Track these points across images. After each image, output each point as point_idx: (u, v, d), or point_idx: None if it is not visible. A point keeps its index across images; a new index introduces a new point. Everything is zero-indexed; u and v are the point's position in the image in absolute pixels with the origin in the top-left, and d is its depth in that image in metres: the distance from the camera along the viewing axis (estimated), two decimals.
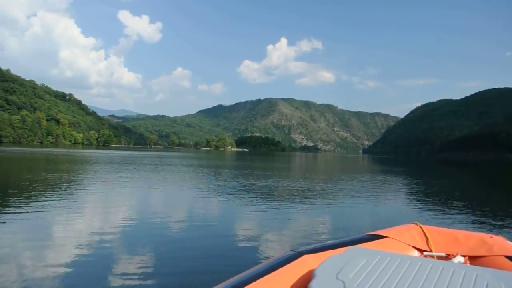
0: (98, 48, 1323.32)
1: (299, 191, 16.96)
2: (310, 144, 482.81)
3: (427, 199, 15.80)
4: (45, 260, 5.70)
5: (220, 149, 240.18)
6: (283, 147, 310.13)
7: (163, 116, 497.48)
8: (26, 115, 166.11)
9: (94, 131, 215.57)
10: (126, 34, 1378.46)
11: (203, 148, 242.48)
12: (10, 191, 13.63)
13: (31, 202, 10.91)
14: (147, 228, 8.32)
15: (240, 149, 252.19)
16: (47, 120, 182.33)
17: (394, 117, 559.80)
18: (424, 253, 2.49)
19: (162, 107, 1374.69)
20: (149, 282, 4.93)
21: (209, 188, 17.39)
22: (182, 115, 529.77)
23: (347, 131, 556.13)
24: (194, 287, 4.85)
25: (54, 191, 13.53)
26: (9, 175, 20.95)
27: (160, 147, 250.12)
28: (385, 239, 2.48)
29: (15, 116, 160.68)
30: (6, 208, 9.81)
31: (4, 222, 8.20)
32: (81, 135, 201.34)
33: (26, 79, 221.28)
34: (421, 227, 2.67)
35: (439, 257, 2.44)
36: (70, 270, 5.25)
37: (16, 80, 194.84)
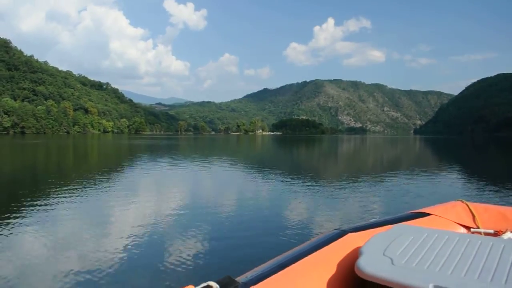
0: (146, 38, 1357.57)
1: (338, 172, 17.98)
2: (358, 125, 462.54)
3: (472, 177, 15.83)
4: (102, 246, 5.92)
5: (250, 133, 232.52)
6: (323, 129, 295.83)
7: (208, 102, 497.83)
8: (51, 105, 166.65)
9: (125, 119, 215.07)
10: (172, 23, 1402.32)
11: (233, 133, 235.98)
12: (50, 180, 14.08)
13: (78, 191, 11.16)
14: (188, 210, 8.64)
15: (272, 133, 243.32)
16: (75, 109, 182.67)
17: (448, 94, 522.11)
18: (472, 229, 2.46)
19: (210, 93, 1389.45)
20: (198, 261, 5.18)
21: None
22: (228, 101, 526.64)
23: (397, 111, 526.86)
24: (241, 265, 4.96)
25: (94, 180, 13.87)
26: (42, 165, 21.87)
27: (190, 133, 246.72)
28: (430, 216, 2.45)
29: (40, 106, 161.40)
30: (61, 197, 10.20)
31: (62, 210, 8.59)
32: (111, 123, 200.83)
33: (73, 71, 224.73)
34: (466, 204, 2.64)
35: (487, 234, 2.38)
36: (126, 254, 5.51)
37: (47, 70, 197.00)
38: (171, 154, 31.68)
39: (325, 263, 1.81)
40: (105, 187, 12.27)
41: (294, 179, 14.41)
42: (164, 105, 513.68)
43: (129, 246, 5.85)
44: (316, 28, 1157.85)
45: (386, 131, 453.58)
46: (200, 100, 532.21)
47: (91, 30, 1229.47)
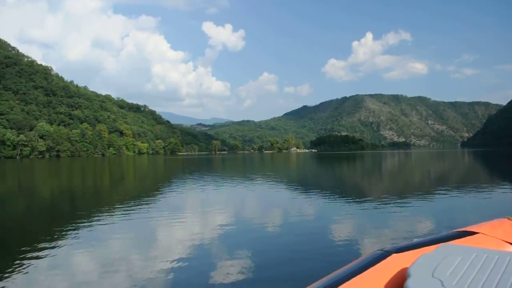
0: (187, 61, 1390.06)
1: (378, 190, 18.13)
2: (402, 140, 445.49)
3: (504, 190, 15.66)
4: (149, 266, 6.21)
5: (284, 151, 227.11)
6: (363, 145, 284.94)
7: (248, 121, 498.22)
8: (86, 128, 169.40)
9: (160, 140, 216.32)
10: (211, 45, 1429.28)
11: (266, 151, 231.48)
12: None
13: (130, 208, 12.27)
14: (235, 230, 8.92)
15: (307, 151, 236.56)
16: (110, 132, 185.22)
17: (496, 105, 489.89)
18: None
19: (250, 112, 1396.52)
20: (241, 282, 5.34)
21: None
22: (267, 119, 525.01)
23: (442, 124, 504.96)
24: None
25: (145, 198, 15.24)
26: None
27: (224, 152, 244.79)
28: (477, 235, 2.31)
29: (75, 130, 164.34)
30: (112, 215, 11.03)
31: (110, 230, 9.06)
32: (145, 145, 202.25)
33: (117, 95, 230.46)
34: None
35: None
36: (172, 273, 5.76)
37: (84, 95, 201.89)
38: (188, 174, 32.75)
39: (371, 285, 1.75)
40: (147, 207, 12.85)
41: (331, 198, 14.58)
42: (205, 126, 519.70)
43: (175, 266, 6.06)
44: (355, 43, 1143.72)
45: (431, 145, 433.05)
46: (240, 119, 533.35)
47: (134, 55, 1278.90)
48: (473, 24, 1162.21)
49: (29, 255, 6.93)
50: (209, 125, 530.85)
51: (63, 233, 8.77)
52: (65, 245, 7.63)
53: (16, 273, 5.93)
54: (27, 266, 6.26)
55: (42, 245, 7.63)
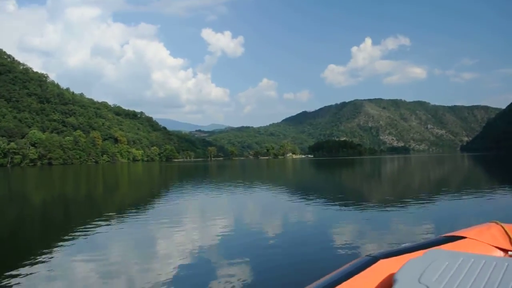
0: (186, 68, 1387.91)
1: (371, 195, 18.54)
2: (401, 144, 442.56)
3: (505, 196, 15.52)
4: (150, 271, 6.36)
5: (279, 157, 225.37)
6: (361, 150, 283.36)
7: (247, 127, 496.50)
8: (79, 135, 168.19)
9: (155, 147, 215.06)
10: (210, 51, 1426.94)
11: (262, 157, 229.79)
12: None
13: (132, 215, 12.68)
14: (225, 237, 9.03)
15: (303, 156, 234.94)
16: (104, 139, 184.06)
17: (496, 108, 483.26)
18: (509, 252, 2.31)
19: (250, 118, 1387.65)
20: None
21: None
22: (266, 125, 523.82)
23: (442, 128, 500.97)
24: None
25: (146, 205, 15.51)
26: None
27: (220, 158, 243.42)
28: (464, 240, 2.32)
29: (67, 137, 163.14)
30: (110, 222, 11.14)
31: (110, 236, 9.27)
32: (140, 151, 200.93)
33: (117, 102, 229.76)
34: (502, 226, 2.48)
35: None
36: (172, 280, 5.85)
37: (79, 102, 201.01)
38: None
39: None
40: (146, 213, 13.14)
41: (321, 204, 14.76)
42: (204, 132, 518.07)
43: (174, 274, 6.10)
44: (354, 48, 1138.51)
45: (431, 149, 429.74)
46: (240, 125, 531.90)
47: (134, 62, 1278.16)
48: (472, 28, 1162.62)
49: (25, 264, 6.89)
50: (208, 131, 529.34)
51: (59, 242, 8.70)
52: (62, 254, 7.67)
53: (14, 282, 5.90)
54: (25, 275, 6.22)
55: (38, 254, 7.60)
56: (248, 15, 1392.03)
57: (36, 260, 7.13)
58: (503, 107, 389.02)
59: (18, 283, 5.91)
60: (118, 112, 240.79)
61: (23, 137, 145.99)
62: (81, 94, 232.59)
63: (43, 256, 7.43)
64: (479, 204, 13.29)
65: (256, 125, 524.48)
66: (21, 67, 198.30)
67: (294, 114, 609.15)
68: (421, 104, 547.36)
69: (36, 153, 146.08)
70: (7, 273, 6.34)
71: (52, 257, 7.38)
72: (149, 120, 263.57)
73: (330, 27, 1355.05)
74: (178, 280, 5.85)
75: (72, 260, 7.17)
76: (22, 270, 6.48)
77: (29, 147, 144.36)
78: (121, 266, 6.68)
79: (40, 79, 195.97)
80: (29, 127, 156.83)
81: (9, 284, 5.87)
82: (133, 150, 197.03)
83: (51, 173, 61.35)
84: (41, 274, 6.35)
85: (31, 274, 6.31)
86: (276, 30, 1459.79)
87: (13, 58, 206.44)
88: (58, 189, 28.54)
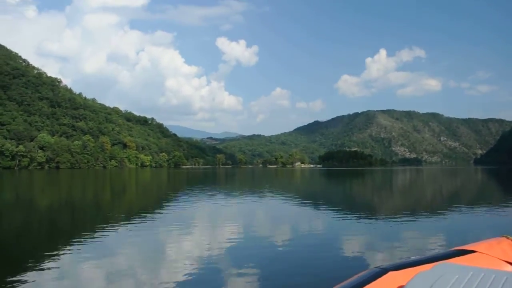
0: (200, 76, 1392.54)
1: (381, 206, 18.26)
2: (413, 156, 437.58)
3: None
4: (158, 276, 6.45)
5: (288, 166, 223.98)
6: (371, 161, 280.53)
7: (258, 136, 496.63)
8: (88, 140, 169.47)
9: (164, 153, 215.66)
10: (224, 60, 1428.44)
11: (270, 166, 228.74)
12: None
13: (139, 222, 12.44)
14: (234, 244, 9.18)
15: (312, 166, 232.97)
16: (113, 144, 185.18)
17: (511, 122, 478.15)
18: None
19: (262, 127, 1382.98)
20: None
21: None
22: (278, 134, 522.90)
23: (455, 140, 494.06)
24: None
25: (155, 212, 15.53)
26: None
27: (229, 166, 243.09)
28: (474, 254, 2.29)
29: (76, 141, 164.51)
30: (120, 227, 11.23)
31: (118, 241, 9.31)
32: (149, 157, 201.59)
33: (131, 109, 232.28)
34: None
35: None
36: (181, 285, 5.97)
37: (90, 107, 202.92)
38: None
39: None
40: (154, 219, 13.15)
41: (329, 214, 14.69)
42: (215, 139, 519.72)
43: (183, 279, 6.18)
44: (368, 59, 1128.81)
45: (444, 162, 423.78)
46: (252, 134, 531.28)
47: (149, 69, 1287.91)
48: (488, 41, 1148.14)
49: (34, 267, 6.95)
50: (219, 139, 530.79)
51: (67, 246, 8.78)
52: (71, 257, 7.75)
53: (24, 284, 5.94)
54: (32, 280, 6.23)
55: (47, 258, 7.66)
56: (263, 24, 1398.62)
57: (45, 264, 7.17)
58: None
59: (28, 283, 6.01)
60: (129, 118, 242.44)
61: (32, 140, 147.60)
62: (93, 99, 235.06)
63: (52, 260, 7.50)
64: (490, 218, 13.27)
65: (268, 133, 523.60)
66: (36, 71, 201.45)
67: (306, 123, 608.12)
68: (434, 116, 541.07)
69: (44, 156, 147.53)
70: (17, 277, 6.36)
71: (60, 261, 7.46)
72: (160, 126, 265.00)
73: (345, 38, 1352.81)
74: (186, 286, 5.90)
75: (80, 264, 7.22)
76: (31, 274, 6.53)
77: (37, 150, 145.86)
78: (130, 271, 6.76)
79: (53, 84, 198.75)
80: (39, 130, 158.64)
81: (19, 285, 5.96)
82: (142, 156, 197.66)
83: (58, 177, 62.12)
84: (50, 277, 6.41)
85: (40, 277, 6.39)
86: (290, 39, 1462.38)
87: (28, 63, 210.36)
88: (65, 193, 28.96)
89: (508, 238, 2.47)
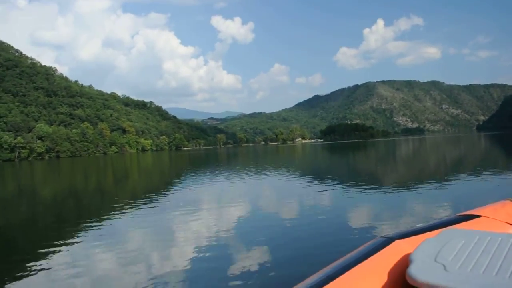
0: (197, 56, 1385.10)
1: (383, 178, 18.23)
2: (415, 125, 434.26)
3: None
4: (169, 259, 6.44)
5: (289, 142, 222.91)
6: (372, 133, 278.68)
7: (259, 113, 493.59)
8: (86, 127, 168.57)
9: (165, 136, 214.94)
10: (220, 39, 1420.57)
11: (271, 143, 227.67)
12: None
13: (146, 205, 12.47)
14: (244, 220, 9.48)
15: (313, 141, 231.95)
16: (112, 130, 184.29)
17: None
18: None
19: (263, 104, 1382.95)
20: (256, 272, 5.47)
21: None
22: (279, 110, 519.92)
23: (457, 108, 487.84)
24: (288, 279, 5.18)
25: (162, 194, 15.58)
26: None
27: (230, 145, 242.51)
28: (479, 218, 2.30)
29: (75, 130, 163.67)
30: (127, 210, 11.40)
31: (126, 225, 9.43)
32: (149, 141, 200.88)
33: (130, 94, 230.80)
34: None
35: None
36: (192, 264, 5.99)
37: (86, 94, 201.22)
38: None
39: (374, 273, 1.74)
40: (159, 201, 13.17)
41: (332, 187, 14.75)
42: (216, 119, 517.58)
43: (192, 259, 6.20)
44: (366, 30, 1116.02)
45: (446, 130, 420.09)
46: (253, 111, 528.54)
47: (145, 52, 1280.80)
48: (486, 5, 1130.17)
49: (46, 254, 6.94)
50: (221, 119, 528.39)
51: (77, 233, 8.79)
52: (81, 244, 7.71)
53: (36, 272, 6.00)
54: (48, 265, 6.31)
55: (57, 245, 7.65)
56: (257, 0, 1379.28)
57: (55, 252, 7.12)
58: None
59: (38, 273, 5.95)
60: (127, 102, 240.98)
61: (30, 131, 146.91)
62: (90, 86, 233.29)
63: (61, 248, 7.45)
64: (494, 182, 13.14)
65: (269, 110, 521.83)
66: (29, 61, 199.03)
67: (306, 98, 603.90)
68: (435, 84, 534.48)
69: (43, 146, 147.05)
70: (29, 265, 6.33)
71: (70, 248, 7.40)
72: (159, 109, 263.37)
73: (341, 9, 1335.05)
74: (198, 265, 5.90)
75: (91, 250, 7.19)
76: (43, 262, 6.48)
77: (36, 141, 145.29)
78: (139, 254, 6.73)
79: (48, 73, 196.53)
80: (36, 121, 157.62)
81: (31, 273, 5.96)
82: (142, 140, 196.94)
83: (59, 166, 62.21)
84: (62, 264, 6.39)
85: (52, 264, 6.35)
86: (286, 14, 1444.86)
87: (21, 53, 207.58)
88: (68, 181, 28.94)
89: (511, 201, 2.48)
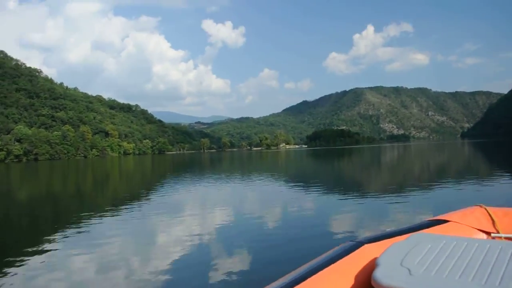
0: (187, 59, 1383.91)
1: (355, 182, 19.45)
2: (401, 132, 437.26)
3: (492, 180, 15.80)
4: (149, 263, 6.39)
5: (273, 147, 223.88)
6: (358, 139, 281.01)
7: (247, 118, 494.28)
8: (68, 130, 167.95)
9: (148, 140, 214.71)
10: (211, 43, 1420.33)
11: (255, 148, 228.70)
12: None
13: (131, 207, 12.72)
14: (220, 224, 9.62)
15: (297, 146, 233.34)
16: (95, 133, 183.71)
17: (498, 94, 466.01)
18: (492, 235, 2.37)
19: (251, 109, 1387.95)
20: (235, 277, 5.56)
21: None
22: (266, 115, 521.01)
23: (443, 115, 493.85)
24: (256, 282, 5.38)
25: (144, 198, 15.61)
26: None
27: (213, 150, 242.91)
28: (448, 223, 2.36)
29: (55, 132, 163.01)
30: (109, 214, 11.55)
31: (107, 229, 9.30)
32: (132, 145, 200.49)
33: (117, 97, 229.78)
34: (485, 209, 2.54)
35: (507, 239, 2.32)
36: (172, 268, 6.01)
37: (70, 96, 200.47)
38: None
39: (341, 276, 1.75)
40: (140, 206, 13.07)
41: (306, 193, 15.14)
42: (203, 124, 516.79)
43: (173, 265, 6.15)
44: (356, 36, 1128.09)
45: (431, 137, 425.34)
46: (241, 116, 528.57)
47: (134, 55, 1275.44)
48: (475, 13, 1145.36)
49: (22, 260, 6.81)
50: (207, 123, 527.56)
51: (54, 237, 8.66)
52: (58, 249, 7.58)
53: (12, 276, 5.93)
54: (23, 271, 6.17)
55: (33, 250, 7.53)
56: (249, 4, 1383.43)
57: (31, 257, 7.03)
58: (506, 92, 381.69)
59: (13, 278, 5.88)
60: (113, 105, 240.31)
61: (8, 133, 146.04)
62: (75, 89, 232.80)
63: (38, 253, 7.34)
64: (469, 188, 13.51)
65: (257, 115, 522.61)
66: (13, 62, 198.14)
67: (294, 103, 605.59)
68: (422, 91, 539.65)
69: (22, 149, 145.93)
70: (3, 271, 6.21)
71: (47, 254, 7.25)
72: (144, 113, 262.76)
73: (332, 15, 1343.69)
74: (178, 269, 5.94)
75: (68, 256, 7.11)
76: (18, 268, 6.36)
77: (14, 143, 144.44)
78: (118, 259, 6.69)
79: (32, 74, 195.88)
80: (16, 122, 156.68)
81: (6, 277, 5.90)
82: (124, 143, 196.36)
83: (36, 169, 61.41)
84: (39, 270, 6.26)
85: (27, 270, 6.24)
86: (277, 18, 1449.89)
87: (6, 54, 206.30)
88: (45, 184, 28.41)
89: (481, 206, 2.53)
